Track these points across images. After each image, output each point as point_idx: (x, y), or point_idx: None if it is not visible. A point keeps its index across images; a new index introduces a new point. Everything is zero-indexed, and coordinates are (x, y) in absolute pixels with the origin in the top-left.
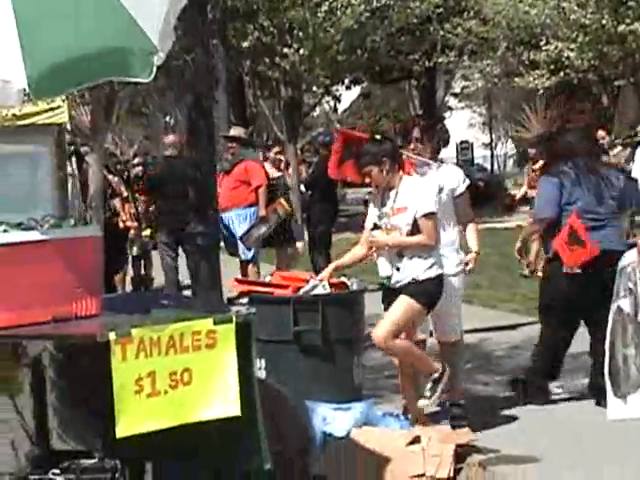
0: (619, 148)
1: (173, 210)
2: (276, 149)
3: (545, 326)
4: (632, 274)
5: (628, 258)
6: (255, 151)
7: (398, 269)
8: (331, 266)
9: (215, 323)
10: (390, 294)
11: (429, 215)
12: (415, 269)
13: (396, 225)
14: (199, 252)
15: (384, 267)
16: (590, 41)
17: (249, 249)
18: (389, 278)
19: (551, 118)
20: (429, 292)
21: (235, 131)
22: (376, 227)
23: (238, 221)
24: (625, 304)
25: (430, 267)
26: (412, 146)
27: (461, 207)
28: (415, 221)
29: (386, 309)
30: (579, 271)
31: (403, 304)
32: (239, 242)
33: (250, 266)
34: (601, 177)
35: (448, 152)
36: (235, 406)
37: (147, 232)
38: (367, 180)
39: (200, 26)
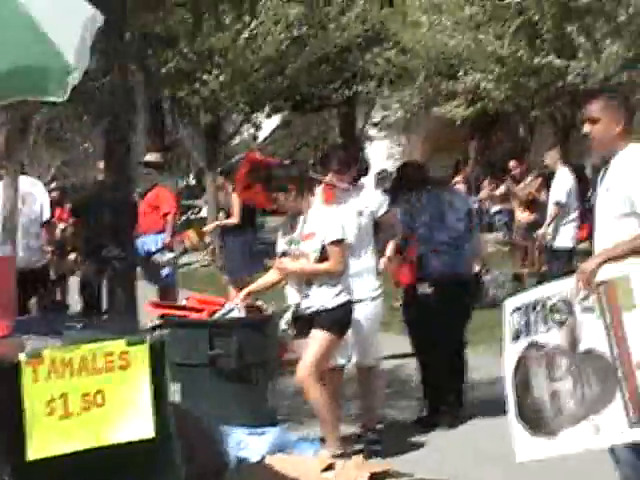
0: (530, 178)
1: (97, 234)
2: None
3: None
4: (563, 306)
5: (545, 290)
6: (171, 178)
7: (307, 296)
8: (244, 291)
9: (128, 344)
10: (300, 320)
11: (337, 242)
12: (324, 296)
13: (304, 251)
14: (115, 276)
15: (293, 294)
16: (507, 73)
17: (155, 275)
18: (298, 305)
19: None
20: (339, 320)
21: (150, 157)
22: (284, 254)
23: (151, 246)
24: (550, 338)
25: (338, 294)
26: (329, 177)
27: (388, 224)
28: (323, 248)
29: (296, 336)
30: (429, 291)
31: (318, 339)
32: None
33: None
34: (444, 203)
35: (367, 181)
36: (149, 428)
37: (72, 256)
38: (274, 206)
39: (118, 48)
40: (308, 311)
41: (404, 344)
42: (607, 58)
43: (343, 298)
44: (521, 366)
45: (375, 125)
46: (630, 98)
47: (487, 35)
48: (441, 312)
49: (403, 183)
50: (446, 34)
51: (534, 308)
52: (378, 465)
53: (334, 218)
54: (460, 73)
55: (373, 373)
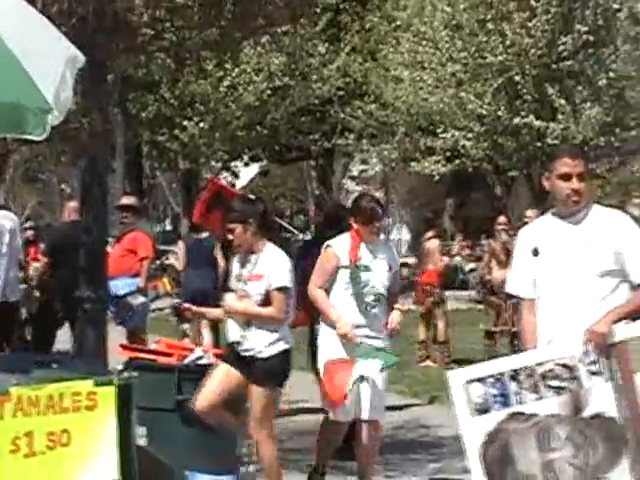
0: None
1: (70, 275)
2: None
3: None
4: (562, 371)
5: (522, 360)
6: (148, 222)
7: (245, 337)
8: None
9: (96, 385)
10: (235, 359)
11: (282, 289)
12: (260, 342)
13: (249, 292)
14: (86, 317)
15: (233, 331)
16: (486, 131)
17: (125, 318)
18: (238, 343)
19: None
20: (273, 371)
21: (128, 200)
22: (230, 290)
23: (123, 290)
24: (542, 407)
25: (275, 342)
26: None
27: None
28: (267, 292)
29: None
30: None
31: (257, 397)
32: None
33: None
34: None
35: None
36: (113, 470)
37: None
38: (229, 237)
39: (99, 90)
40: (243, 354)
41: None
42: (586, 121)
43: (280, 347)
44: (495, 440)
45: (353, 178)
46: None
47: (468, 93)
48: None
49: (326, 223)
50: (427, 90)
51: (514, 378)
52: None
53: (284, 264)
54: (439, 130)
55: (377, 429)
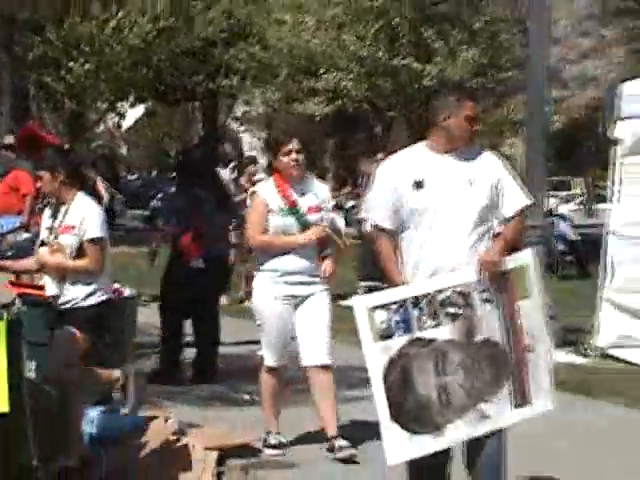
0: None
1: None
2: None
3: None
4: (458, 299)
5: (424, 287)
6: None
7: (61, 291)
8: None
9: None
10: (54, 314)
11: (95, 240)
12: (77, 294)
13: (62, 244)
14: None
15: (50, 286)
16: (366, 73)
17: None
18: (55, 297)
19: None
20: (93, 320)
21: (9, 139)
22: (44, 243)
23: (7, 227)
24: (440, 333)
25: (93, 293)
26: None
27: None
28: (81, 244)
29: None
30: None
31: (67, 339)
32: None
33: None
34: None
35: (226, 174)
36: (3, 402)
37: None
38: (38, 184)
39: None
40: (62, 307)
41: None
42: (462, 63)
43: (98, 298)
44: (397, 365)
45: (237, 119)
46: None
47: (348, 35)
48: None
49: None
50: (309, 33)
51: (416, 305)
52: (228, 436)
53: (95, 214)
54: (321, 71)
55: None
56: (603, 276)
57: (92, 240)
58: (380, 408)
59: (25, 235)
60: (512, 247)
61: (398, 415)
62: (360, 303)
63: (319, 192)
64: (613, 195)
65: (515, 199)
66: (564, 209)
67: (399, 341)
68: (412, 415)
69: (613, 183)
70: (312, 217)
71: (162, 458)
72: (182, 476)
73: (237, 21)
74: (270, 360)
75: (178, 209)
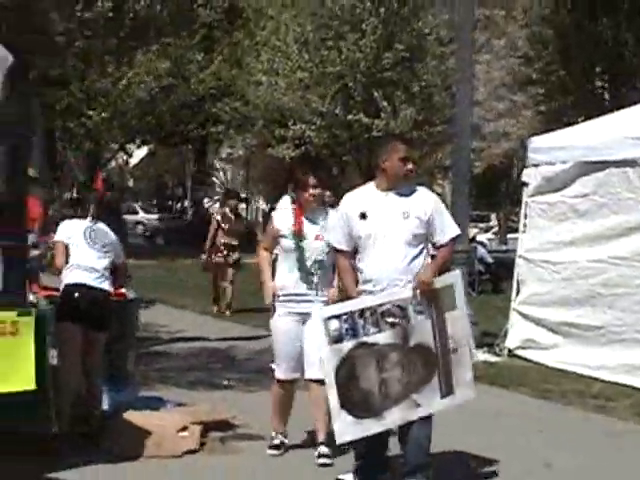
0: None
1: None
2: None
3: None
4: (397, 310)
5: (369, 301)
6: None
7: None
8: None
9: (18, 315)
10: None
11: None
12: None
13: None
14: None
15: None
16: (326, 125)
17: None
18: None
19: None
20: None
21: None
22: None
23: None
24: (381, 338)
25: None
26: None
27: None
28: None
29: None
30: None
31: None
32: None
33: None
34: None
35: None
36: (31, 381)
37: None
38: None
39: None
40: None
41: (241, 330)
42: (402, 118)
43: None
44: (346, 364)
45: (222, 159)
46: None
47: (312, 95)
48: None
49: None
50: (281, 92)
51: (361, 315)
52: (211, 412)
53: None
54: (290, 123)
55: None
56: (515, 291)
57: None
58: (332, 399)
59: (35, 252)
60: (443, 268)
61: (346, 404)
62: (318, 314)
63: (327, 223)
64: (521, 227)
65: (447, 229)
66: (483, 237)
67: (348, 344)
68: (358, 404)
69: (525, 217)
70: (315, 243)
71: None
72: (172, 444)
73: (224, 82)
74: (280, 373)
75: None
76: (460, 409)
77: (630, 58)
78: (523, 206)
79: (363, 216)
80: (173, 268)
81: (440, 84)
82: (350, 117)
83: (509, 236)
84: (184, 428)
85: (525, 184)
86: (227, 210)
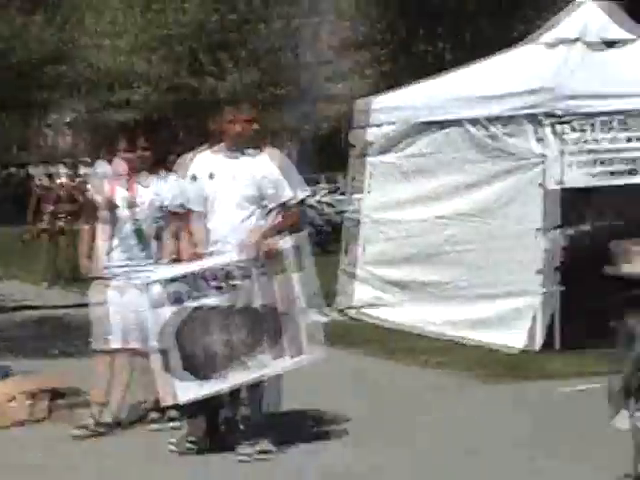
0: None
1: None
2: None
3: None
4: (238, 273)
5: (210, 263)
6: None
7: None
8: None
9: None
10: None
11: None
12: None
13: None
14: None
15: None
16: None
17: None
18: None
19: None
20: None
21: None
22: None
23: None
24: (219, 300)
25: None
26: None
27: None
28: None
29: None
30: None
31: None
32: None
33: None
34: None
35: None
36: None
37: None
38: None
39: None
40: None
41: None
42: (241, 80)
43: None
44: (170, 328)
45: (49, 125)
46: None
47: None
48: None
49: None
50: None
51: (203, 278)
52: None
53: None
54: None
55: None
56: (344, 252)
57: None
58: (156, 362)
59: None
60: (288, 229)
61: (188, 365)
62: (141, 279)
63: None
64: (365, 187)
65: (296, 189)
66: (329, 198)
67: (171, 309)
68: (190, 366)
69: (369, 177)
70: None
71: None
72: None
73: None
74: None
75: None
76: (301, 370)
77: (473, 17)
78: (367, 166)
79: (211, 176)
80: None
81: (285, 45)
82: (177, 81)
83: (353, 197)
84: (12, 398)
85: (352, 145)
86: (62, 178)
